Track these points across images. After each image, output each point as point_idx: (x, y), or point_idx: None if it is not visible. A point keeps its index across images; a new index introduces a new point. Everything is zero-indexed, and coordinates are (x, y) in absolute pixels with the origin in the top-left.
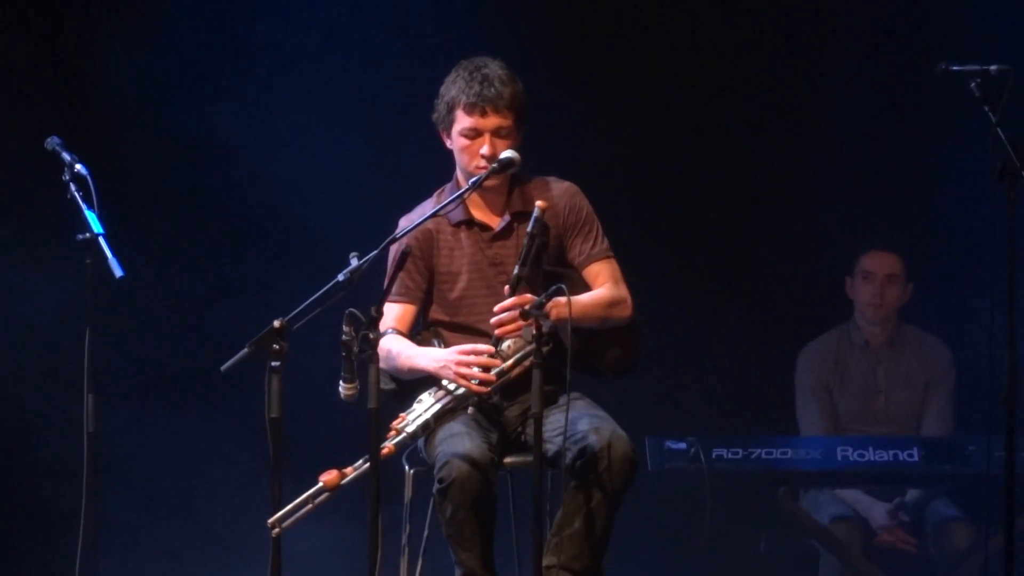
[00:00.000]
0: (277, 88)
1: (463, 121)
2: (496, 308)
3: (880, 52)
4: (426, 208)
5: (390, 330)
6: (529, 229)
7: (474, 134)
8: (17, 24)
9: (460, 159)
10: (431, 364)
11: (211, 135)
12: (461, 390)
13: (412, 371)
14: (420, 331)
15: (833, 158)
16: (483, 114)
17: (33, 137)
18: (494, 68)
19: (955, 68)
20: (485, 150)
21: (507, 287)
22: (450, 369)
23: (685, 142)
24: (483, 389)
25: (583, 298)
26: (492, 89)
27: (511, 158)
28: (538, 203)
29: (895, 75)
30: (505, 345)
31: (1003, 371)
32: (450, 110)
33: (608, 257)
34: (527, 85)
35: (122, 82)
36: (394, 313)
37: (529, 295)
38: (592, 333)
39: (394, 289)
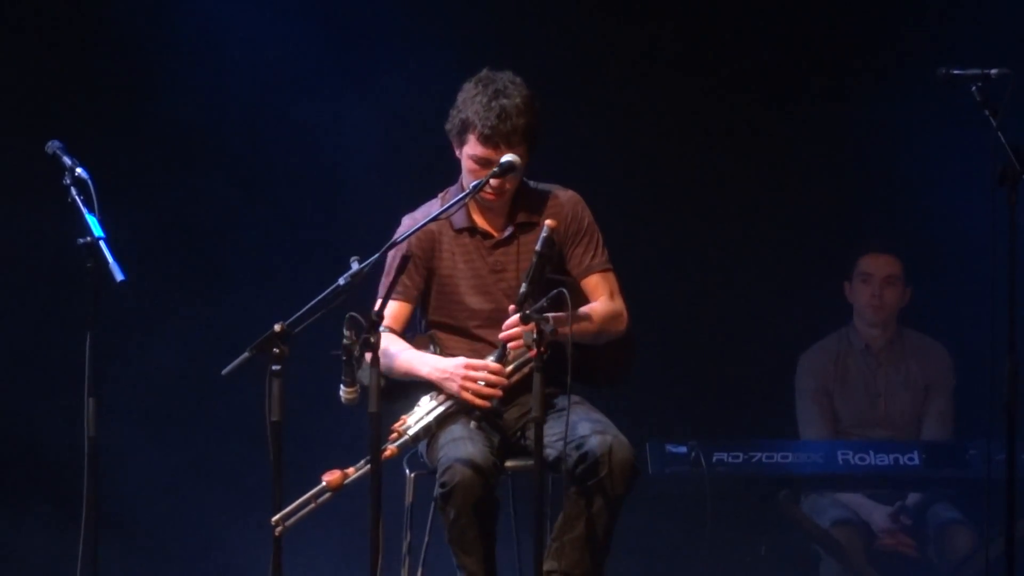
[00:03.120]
0: (282, 94)
1: (475, 148)
2: (505, 325)
3: (880, 55)
4: (431, 209)
5: (385, 328)
6: (538, 248)
7: (485, 163)
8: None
9: (467, 178)
10: (434, 373)
11: (216, 139)
12: None
13: (409, 375)
14: (415, 334)
15: (831, 162)
16: (496, 147)
17: (35, 139)
18: (513, 97)
19: (956, 72)
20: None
21: (512, 306)
22: (455, 382)
23: (683, 148)
24: (486, 404)
25: (580, 312)
26: (508, 123)
27: (511, 162)
28: (547, 222)
29: (895, 78)
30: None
31: (1004, 375)
32: (463, 130)
33: (606, 270)
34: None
35: (118, 79)
36: (389, 311)
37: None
38: (586, 344)
39: None
